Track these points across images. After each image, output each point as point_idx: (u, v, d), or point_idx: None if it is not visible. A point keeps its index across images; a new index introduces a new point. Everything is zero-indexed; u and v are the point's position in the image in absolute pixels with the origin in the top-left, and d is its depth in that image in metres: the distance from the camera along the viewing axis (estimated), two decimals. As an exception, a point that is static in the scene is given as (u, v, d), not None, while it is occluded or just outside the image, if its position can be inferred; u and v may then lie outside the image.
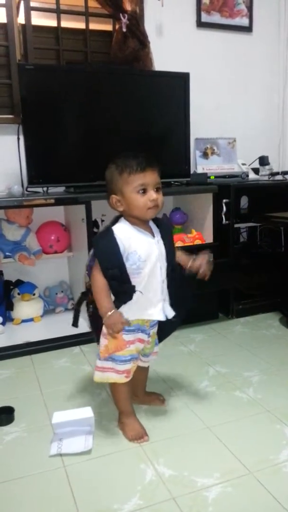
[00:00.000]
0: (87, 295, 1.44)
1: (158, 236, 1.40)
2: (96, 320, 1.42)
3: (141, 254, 1.33)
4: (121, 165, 1.31)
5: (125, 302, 1.34)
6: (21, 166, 2.43)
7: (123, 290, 1.33)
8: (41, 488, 1.24)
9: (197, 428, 1.49)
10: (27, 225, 2.43)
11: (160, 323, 1.49)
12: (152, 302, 1.39)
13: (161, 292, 1.40)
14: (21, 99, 2.23)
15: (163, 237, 1.41)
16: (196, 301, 1.52)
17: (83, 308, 1.50)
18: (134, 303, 1.35)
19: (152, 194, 1.31)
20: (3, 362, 2.03)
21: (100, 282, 1.32)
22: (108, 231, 1.34)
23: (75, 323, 1.53)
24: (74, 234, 2.46)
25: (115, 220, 1.40)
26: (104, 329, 1.40)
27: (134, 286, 1.34)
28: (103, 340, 1.41)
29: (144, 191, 1.31)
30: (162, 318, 1.41)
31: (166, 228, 1.46)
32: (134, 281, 1.34)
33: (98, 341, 1.45)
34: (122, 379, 1.42)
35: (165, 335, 1.56)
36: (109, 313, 1.30)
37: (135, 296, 1.34)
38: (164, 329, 1.53)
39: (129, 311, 1.35)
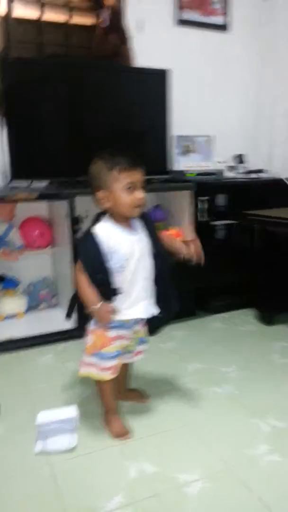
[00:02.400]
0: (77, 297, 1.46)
1: (140, 233, 1.42)
2: (77, 301, 1.45)
3: (124, 253, 1.36)
4: (110, 161, 1.32)
5: (108, 302, 1.38)
6: (4, 160, 2.41)
7: (107, 292, 1.37)
8: (27, 486, 1.28)
9: (178, 424, 1.56)
10: (10, 220, 2.42)
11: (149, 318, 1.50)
12: (135, 300, 1.42)
13: (145, 290, 1.44)
14: (3, 92, 2.20)
15: (149, 232, 1.44)
16: (180, 303, 1.57)
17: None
18: (117, 303, 1.39)
19: (140, 193, 1.34)
20: (-13, 359, 2.05)
21: (84, 282, 1.36)
22: (89, 235, 1.36)
23: (69, 314, 1.56)
24: (57, 230, 2.46)
25: (97, 219, 1.42)
26: (91, 325, 1.44)
27: (116, 289, 1.37)
28: (90, 336, 1.45)
29: (132, 189, 1.34)
30: (146, 316, 1.45)
31: (150, 223, 1.48)
32: (117, 279, 1.37)
33: (68, 316, 1.51)
34: (107, 376, 1.45)
35: (154, 330, 1.57)
36: (97, 306, 1.34)
37: (120, 295, 1.38)
38: (153, 324, 1.54)
39: None
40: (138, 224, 1.44)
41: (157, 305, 1.49)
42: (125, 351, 1.52)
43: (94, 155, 1.38)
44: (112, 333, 1.43)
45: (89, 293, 1.36)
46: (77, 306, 1.50)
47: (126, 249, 1.37)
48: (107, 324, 1.35)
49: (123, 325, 1.45)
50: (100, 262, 1.34)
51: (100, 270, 1.34)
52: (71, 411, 1.52)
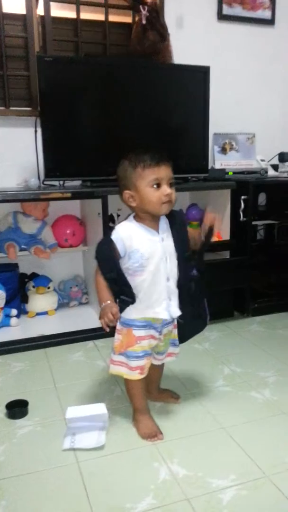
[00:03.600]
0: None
1: (164, 234, 1.38)
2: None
3: (143, 252, 1.34)
4: (134, 160, 1.31)
5: (127, 305, 1.37)
6: (38, 159, 2.43)
7: (123, 293, 1.36)
8: (55, 483, 1.24)
9: (212, 428, 1.47)
10: (43, 218, 2.42)
11: (180, 324, 1.49)
12: (156, 301, 1.38)
13: (166, 291, 1.39)
14: (39, 91, 2.21)
15: (176, 233, 1.39)
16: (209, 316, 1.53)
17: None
18: (138, 302, 1.37)
19: (166, 189, 1.30)
20: (17, 355, 2.03)
21: (99, 282, 1.36)
22: (107, 237, 1.36)
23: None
24: (89, 228, 2.45)
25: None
26: (118, 325, 1.42)
27: (133, 294, 1.36)
28: (117, 336, 1.43)
29: (158, 185, 1.30)
30: (167, 317, 1.40)
31: (180, 221, 1.43)
32: (137, 278, 1.35)
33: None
34: (135, 375, 1.41)
35: (186, 337, 1.55)
36: (104, 303, 1.32)
37: (142, 294, 1.36)
38: (185, 330, 1.52)
39: (133, 309, 1.38)
40: (165, 225, 1.39)
41: (181, 310, 1.43)
42: (156, 351, 1.49)
43: (130, 153, 1.35)
44: (139, 333, 1.40)
45: (100, 291, 1.35)
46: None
47: (147, 249, 1.34)
48: (110, 323, 1.31)
49: (150, 324, 1.41)
50: (112, 261, 1.34)
51: (112, 270, 1.34)
52: (100, 408, 1.47)
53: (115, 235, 1.34)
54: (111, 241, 1.33)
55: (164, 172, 1.30)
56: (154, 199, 1.30)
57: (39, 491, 1.21)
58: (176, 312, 1.42)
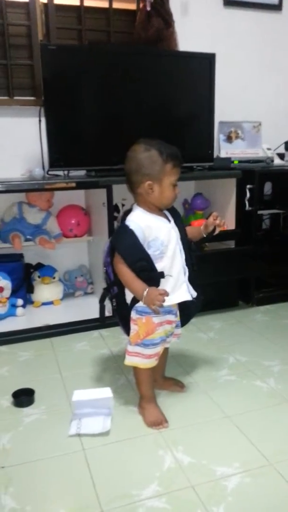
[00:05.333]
0: (109, 290, 1.46)
1: (173, 221, 1.43)
2: (122, 313, 1.46)
3: (163, 240, 1.36)
4: (166, 154, 1.32)
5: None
6: (42, 149, 2.42)
7: (151, 278, 1.33)
8: (61, 470, 1.25)
9: (216, 416, 1.48)
10: (47, 208, 2.42)
11: (180, 307, 1.49)
12: (177, 284, 1.41)
13: (184, 273, 1.43)
14: (43, 80, 2.19)
15: (176, 221, 1.45)
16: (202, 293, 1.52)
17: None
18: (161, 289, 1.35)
19: (177, 189, 1.38)
20: (23, 344, 2.05)
21: (127, 273, 1.33)
22: (125, 227, 1.35)
23: (102, 319, 1.54)
24: (94, 218, 2.44)
25: (126, 214, 1.41)
26: (133, 315, 1.41)
27: (162, 273, 1.35)
28: (133, 327, 1.43)
29: (174, 186, 1.37)
30: (189, 298, 1.42)
31: (177, 214, 1.49)
32: (157, 266, 1.35)
33: (126, 332, 1.47)
34: (151, 363, 1.43)
35: (187, 319, 1.56)
36: (145, 292, 1.29)
37: (162, 281, 1.35)
38: (185, 313, 1.53)
39: None
40: (167, 213, 1.45)
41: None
42: (166, 335, 1.49)
43: (134, 142, 1.36)
44: (158, 319, 1.41)
45: (135, 282, 1.32)
46: (109, 298, 1.48)
47: (164, 235, 1.37)
48: (159, 308, 1.28)
49: (171, 310, 1.44)
50: (140, 249, 1.33)
51: (142, 258, 1.33)
52: (106, 392, 1.50)
53: (134, 225, 1.33)
54: (132, 231, 1.32)
55: (179, 173, 1.38)
56: (170, 196, 1.37)
57: (46, 479, 1.22)
58: (194, 292, 1.45)
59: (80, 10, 2.51)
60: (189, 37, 2.58)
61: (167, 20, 2.52)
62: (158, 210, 1.41)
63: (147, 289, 1.29)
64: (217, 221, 1.46)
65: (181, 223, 1.47)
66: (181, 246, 1.43)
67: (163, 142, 1.36)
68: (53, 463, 1.28)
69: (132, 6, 2.63)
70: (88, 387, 1.66)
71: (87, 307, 2.38)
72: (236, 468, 1.23)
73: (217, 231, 1.50)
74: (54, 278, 2.47)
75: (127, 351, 1.45)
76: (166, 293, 1.28)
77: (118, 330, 1.49)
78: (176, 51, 2.54)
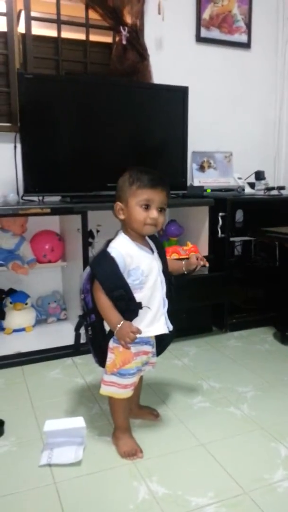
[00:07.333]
0: (85, 318, 1.43)
1: (155, 251, 1.44)
2: (97, 342, 1.43)
3: (144, 269, 1.36)
4: (133, 176, 1.34)
5: (131, 320, 1.32)
6: (17, 175, 2.42)
7: (129, 308, 1.33)
8: (32, 505, 1.20)
9: (191, 445, 1.47)
10: (21, 233, 2.41)
11: (157, 338, 1.49)
12: (156, 317, 1.40)
13: (163, 306, 1.42)
14: (19, 107, 2.21)
15: (158, 252, 1.45)
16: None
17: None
18: (139, 320, 1.35)
19: (153, 212, 1.34)
20: (-7, 373, 1.99)
21: (105, 301, 1.31)
22: (105, 254, 1.34)
23: (76, 347, 1.53)
24: (68, 244, 2.44)
25: (109, 240, 1.41)
26: (110, 343, 1.39)
27: (140, 303, 1.34)
28: (110, 355, 1.40)
29: (147, 207, 1.33)
30: (166, 331, 1.42)
31: (160, 244, 1.50)
32: (137, 296, 1.34)
33: (100, 364, 1.45)
34: (127, 393, 1.41)
35: (162, 349, 1.55)
36: (119, 325, 1.28)
37: (141, 312, 1.34)
38: (161, 344, 1.53)
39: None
40: (152, 243, 1.46)
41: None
42: (142, 365, 1.48)
43: (109, 170, 1.43)
44: (135, 349, 1.39)
45: (111, 312, 1.31)
46: (85, 325, 1.45)
47: (146, 265, 1.37)
48: (129, 343, 1.29)
49: (148, 341, 1.44)
50: (118, 278, 1.31)
51: (120, 286, 1.31)
52: (79, 421, 1.47)
53: (116, 252, 1.33)
54: (112, 259, 1.32)
55: (157, 196, 1.33)
56: (139, 218, 1.33)
57: (15, 514, 1.17)
58: (170, 325, 1.45)
59: (57, 41, 2.57)
60: (163, 71, 2.67)
61: (142, 54, 2.61)
62: (141, 238, 1.40)
63: (121, 323, 1.28)
64: (201, 262, 1.49)
65: (164, 256, 1.48)
66: (163, 278, 1.42)
67: (147, 168, 1.36)
68: (23, 498, 1.23)
69: (109, 39, 2.72)
70: (60, 416, 1.62)
71: (60, 334, 2.34)
72: (211, 498, 1.22)
73: (197, 269, 1.52)
74: (26, 304, 2.43)
75: (103, 380, 1.43)
76: (138, 331, 1.28)
77: (91, 358, 1.46)
78: (150, 83, 2.63)
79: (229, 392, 1.82)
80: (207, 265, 1.52)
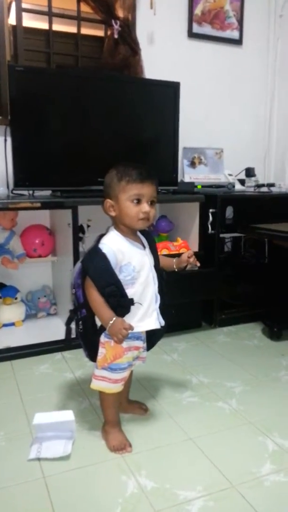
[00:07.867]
0: (76, 313, 1.43)
1: (147, 247, 1.44)
2: (88, 337, 1.43)
3: (135, 265, 1.36)
4: (121, 172, 1.33)
5: (123, 316, 1.32)
6: (7, 168, 2.40)
7: (120, 304, 1.32)
8: (21, 499, 1.21)
9: (179, 439, 1.48)
10: (11, 228, 2.39)
11: (147, 333, 1.49)
12: (147, 312, 1.40)
13: (155, 301, 1.42)
14: (9, 100, 2.19)
15: (150, 248, 1.45)
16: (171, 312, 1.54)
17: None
18: (131, 316, 1.35)
19: (145, 206, 1.33)
20: (-18, 368, 1.98)
21: (97, 298, 1.31)
22: (97, 250, 1.34)
23: (67, 341, 1.53)
24: (59, 239, 2.43)
25: (101, 236, 1.40)
26: (101, 338, 1.40)
27: (132, 299, 1.34)
28: (101, 350, 1.41)
29: (139, 201, 1.33)
30: (158, 327, 1.43)
31: (152, 239, 1.49)
32: (128, 292, 1.34)
33: (91, 358, 1.46)
34: (118, 388, 1.42)
35: (152, 344, 1.56)
36: (111, 321, 1.29)
37: (132, 308, 1.34)
38: (151, 339, 1.53)
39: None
40: (143, 239, 1.45)
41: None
42: (133, 360, 1.48)
43: (100, 165, 1.39)
44: (126, 344, 1.39)
45: (103, 309, 1.31)
46: (76, 319, 1.45)
47: (137, 261, 1.37)
48: (121, 340, 1.29)
49: (139, 336, 1.44)
50: (110, 274, 1.31)
51: (112, 282, 1.31)
52: (68, 415, 1.47)
53: (107, 249, 1.32)
54: (104, 255, 1.31)
55: (146, 189, 1.33)
56: (132, 213, 1.33)
57: (6, 508, 1.17)
58: (162, 321, 1.45)
59: (49, 34, 2.55)
60: (154, 65, 2.67)
61: (133, 48, 2.61)
62: (132, 234, 1.40)
63: (113, 319, 1.28)
64: (191, 260, 1.49)
65: (156, 251, 1.48)
66: (155, 274, 1.43)
67: (133, 163, 1.35)
68: (13, 492, 1.23)
69: (100, 33, 2.70)
70: (49, 411, 1.62)
71: (50, 329, 2.34)
72: (199, 491, 1.23)
73: (188, 268, 1.52)
74: (16, 298, 2.41)
75: (93, 374, 1.43)
76: (131, 328, 1.28)
77: (81, 352, 1.47)
78: (142, 78, 2.62)
79: (217, 387, 1.83)
80: (198, 264, 1.51)
